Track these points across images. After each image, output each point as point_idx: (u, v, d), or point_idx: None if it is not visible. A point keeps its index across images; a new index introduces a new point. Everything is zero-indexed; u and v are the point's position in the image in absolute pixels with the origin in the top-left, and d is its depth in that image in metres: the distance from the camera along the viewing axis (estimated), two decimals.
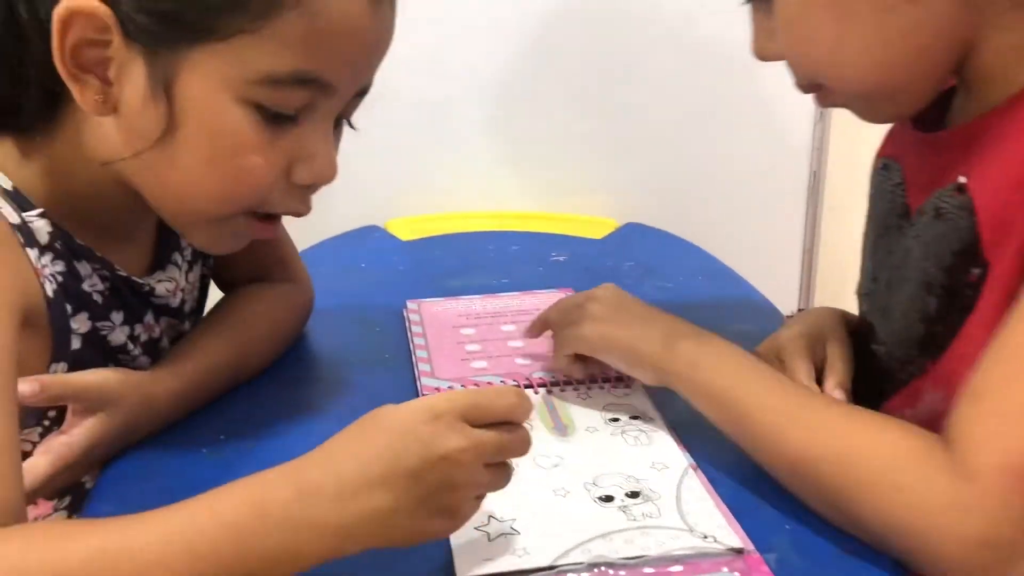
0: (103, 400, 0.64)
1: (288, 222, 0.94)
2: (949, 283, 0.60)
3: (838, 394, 0.67)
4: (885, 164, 0.72)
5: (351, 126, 0.66)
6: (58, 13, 0.55)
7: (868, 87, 0.63)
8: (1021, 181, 0.56)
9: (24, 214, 0.60)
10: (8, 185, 0.61)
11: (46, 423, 0.64)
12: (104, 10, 0.55)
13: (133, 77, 0.57)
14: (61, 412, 0.64)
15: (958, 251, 0.59)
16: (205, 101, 0.57)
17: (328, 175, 0.62)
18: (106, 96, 0.58)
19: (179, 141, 0.58)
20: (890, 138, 0.74)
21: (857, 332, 0.73)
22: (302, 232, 1.18)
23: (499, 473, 0.52)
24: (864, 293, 0.74)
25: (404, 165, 1.36)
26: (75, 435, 0.63)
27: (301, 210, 0.64)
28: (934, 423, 0.55)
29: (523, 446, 0.52)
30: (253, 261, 0.83)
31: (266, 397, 0.75)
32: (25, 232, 0.60)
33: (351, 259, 1.13)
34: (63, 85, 0.57)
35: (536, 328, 0.80)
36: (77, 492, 0.67)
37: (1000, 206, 0.57)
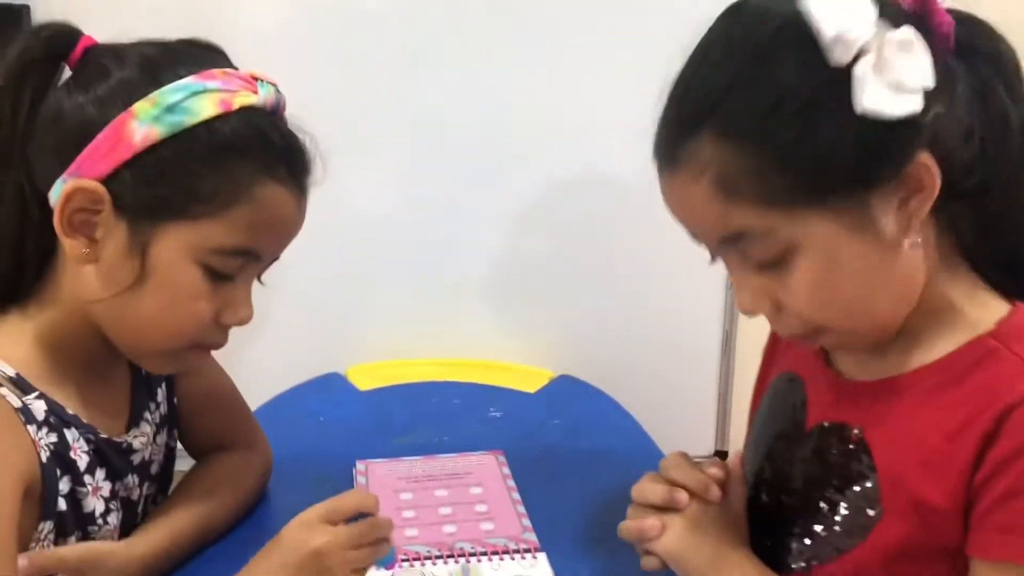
0: (85, 568, 0.77)
1: (261, 370, 1.08)
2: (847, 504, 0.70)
3: (714, 470, 0.77)
4: (791, 379, 0.80)
5: (260, 283, 0.84)
6: (65, 189, 0.73)
7: (873, 324, 0.68)
8: (923, 461, 0.65)
9: (24, 397, 0.75)
10: (12, 372, 0.76)
11: None
12: (101, 189, 0.73)
13: (115, 238, 0.74)
14: None
15: (854, 487, 0.69)
16: (171, 262, 0.75)
17: (247, 319, 0.80)
18: (91, 249, 0.75)
19: (146, 290, 0.75)
20: (791, 354, 0.82)
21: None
22: (273, 377, 1.32)
23: (368, 552, 0.78)
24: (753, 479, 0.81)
25: (365, 313, 1.52)
26: None
27: (223, 343, 0.82)
28: None
29: (377, 528, 0.79)
30: (215, 430, 0.99)
31: (231, 558, 0.87)
32: (26, 413, 0.75)
33: (311, 411, 1.27)
34: (53, 247, 0.77)
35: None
36: None
37: (897, 474, 0.67)
